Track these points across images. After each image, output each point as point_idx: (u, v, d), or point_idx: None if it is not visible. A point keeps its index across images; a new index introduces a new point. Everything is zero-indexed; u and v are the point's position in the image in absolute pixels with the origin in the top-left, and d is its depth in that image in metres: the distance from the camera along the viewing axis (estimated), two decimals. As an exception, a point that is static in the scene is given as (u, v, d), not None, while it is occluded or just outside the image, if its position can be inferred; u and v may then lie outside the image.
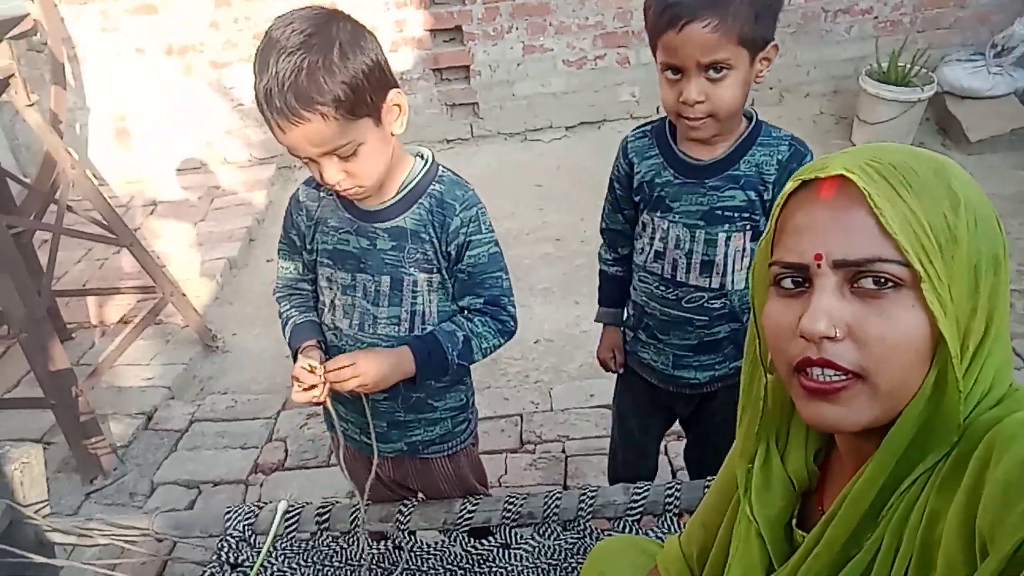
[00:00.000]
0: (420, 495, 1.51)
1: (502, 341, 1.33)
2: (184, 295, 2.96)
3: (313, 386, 1.21)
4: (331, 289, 1.34)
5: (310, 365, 1.22)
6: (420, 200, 1.25)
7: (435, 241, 1.26)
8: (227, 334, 3.12)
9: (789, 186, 0.68)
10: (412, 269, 1.27)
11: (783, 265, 0.67)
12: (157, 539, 1.49)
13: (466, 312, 1.32)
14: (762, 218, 1.35)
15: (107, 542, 1.47)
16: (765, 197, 1.33)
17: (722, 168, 1.32)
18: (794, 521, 0.79)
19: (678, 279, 1.40)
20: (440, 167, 1.30)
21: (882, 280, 0.62)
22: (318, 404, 1.25)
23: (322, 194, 1.30)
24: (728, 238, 1.35)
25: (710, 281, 1.39)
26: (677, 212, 1.36)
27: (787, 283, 0.68)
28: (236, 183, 4.36)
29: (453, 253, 1.27)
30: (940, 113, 4.02)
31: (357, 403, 1.34)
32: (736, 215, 1.33)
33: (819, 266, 0.64)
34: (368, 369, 1.20)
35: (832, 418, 0.65)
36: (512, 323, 1.33)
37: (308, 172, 1.23)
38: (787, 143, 1.33)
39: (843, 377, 0.63)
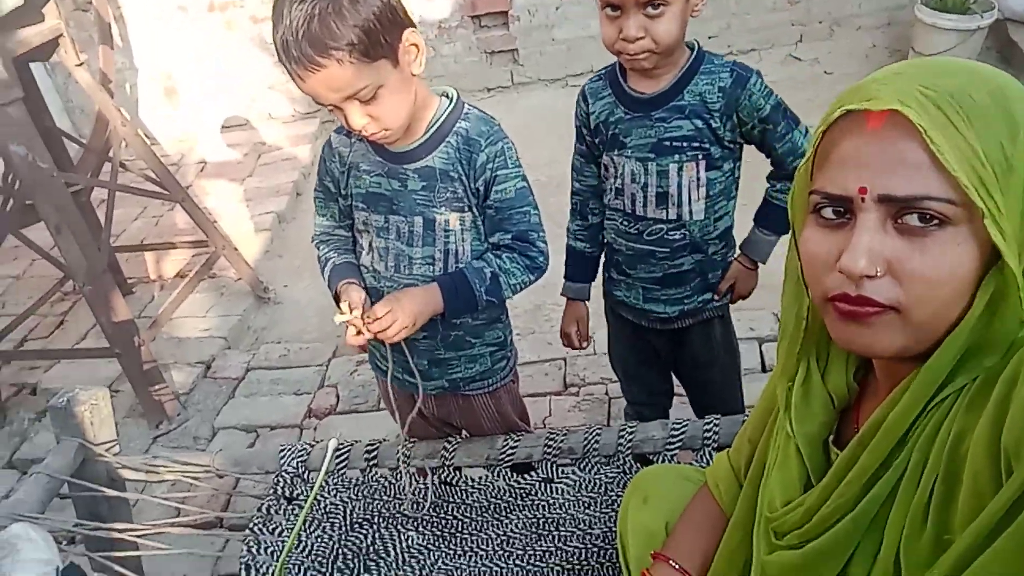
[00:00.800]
0: (464, 432, 1.56)
1: (532, 277, 1.35)
2: (236, 249, 3.04)
3: (359, 331, 1.26)
4: (367, 232, 1.37)
5: (348, 306, 1.26)
6: (447, 139, 1.27)
7: (464, 179, 1.28)
8: (278, 286, 3.21)
9: (834, 115, 0.64)
10: (443, 209, 1.30)
11: (824, 195, 0.65)
12: (218, 475, 1.57)
13: (495, 249, 1.34)
14: (713, 146, 1.37)
15: (173, 478, 1.56)
16: (713, 125, 1.36)
17: (667, 99, 1.36)
18: (831, 438, 0.80)
19: (637, 213, 1.44)
20: (466, 105, 1.31)
21: (928, 217, 0.60)
22: (363, 346, 1.30)
23: (353, 140, 1.33)
24: (680, 169, 1.38)
25: (667, 213, 1.42)
26: (629, 147, 1.40)
27: (827, 213, 0.66)
28: (281, 138, 4.42)
29: (482, 189, 1.29)
30: (1002, 41, 3.83)
31: (398, 343, 1.37)
32: (685, 145, 1.37)
33: (863, 200, 0.62)
34: (403, 313, 1.24)
35: (863, 342, 0.64)
36: (542, 259, 1.34)
37: None
38: (728, 70, 1.35)
39: (878, 308, 0.62)
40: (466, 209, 1.30)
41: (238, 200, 3.86)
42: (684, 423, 1.42)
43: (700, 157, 1.38)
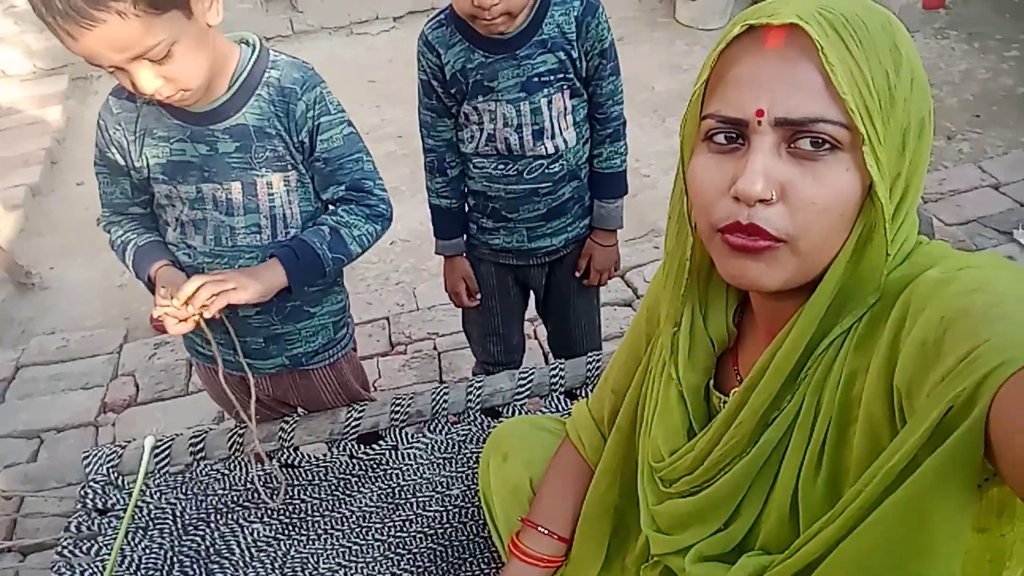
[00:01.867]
0: (300, 410, 1.45)
1: (377, 227, 1.24)
2: (-18, 230, 2.60)
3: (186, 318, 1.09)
4: (174, 206, 1.19)
5: (168, 293, 1.09)
6: (257, 91, 1.13)
7: (284, 134, 1.15)
8: (43, 268, 2.79)
9: (735, 31, 0.63)
10: (264, 170, 1.16)
11: (719, 119, 0.63)
12: (5, 497, 1.34)
13: (330, 206, 1.23)
14: (574, 76, 1.38)
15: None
16: (573, 55, 1.36)
17: (529, 35, 1.33)
18: (711, 383, 0.80)
19: (515, 153, 1.41)
20: (271, 52, 1.17)
21: (820, 141, 0.60)
22: (193, 329, 1.13)
23: (139, 102, 1.13)
24: (550, 102, 1.37)
25: (545, 148, 1.41)
26: (498, 90, 1.36)
27: (720, 138, 0.64)
28: (22, 99, 3.82)
29: (306, 141, 1.17)
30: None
31: (229, 318, 1.23)
32: (552, 78, 1.36)
33: (759, 123, 0.60)
34: (235, 282, 1.09)
35: (753, 275, 0.64)
36: (383, 206, 1.24)
37: (113, 81, 1.06)
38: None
39: (768, 241, 0.62)
40: (289, 168, 1.17)
41: (-24, 173, 3.29)
42: (531, 371, 1.41)
43: (565, 87, 1.37)
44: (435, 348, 2.21)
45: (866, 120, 0.59)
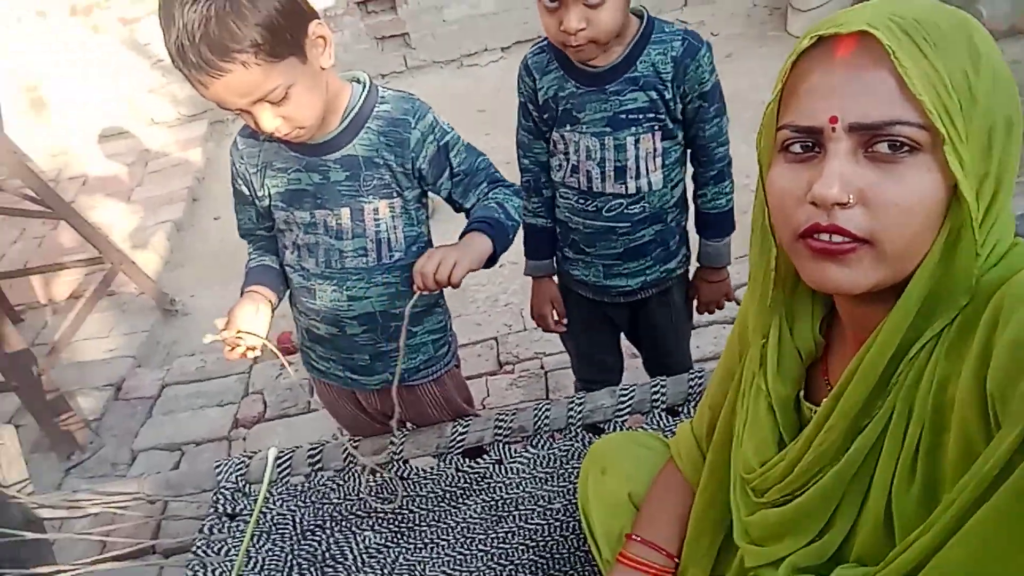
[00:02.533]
0: (409, 425, 1.52)
1: (519, 199, 1.32)
2: (133, 263, 2.87)
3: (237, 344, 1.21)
4: (291, 231, 1.30)
5: (224, 323, 1.22)
6: (367, 124, 1.22)
7: (392, 163, 1.23)
8: (184, 297, 3.05)
9: (804, 43, 0.63)
10: (371, 197, 1.24)
11: (794, 129, 0.64)
12: (149, 501, 1.47)
13: (480, 198, 1.31)
14: (667, 117, 1.35)
15: (97, 510, 1.45)
16: (666, 96, 1.34)
17: (621, 71, 1.32)
18: (801, 394, 0.79)
19: (595, 190, 1.41)
20: (380, 88, 1.26)
21: (898, 144, 0.59)
22: (251, 356, 1.24)
23: (262, 138, 1.24)
24: (636, 141, 1.35)
25: (626, 187, 1.39)
26: (584, 122, 1.36)
27: (796, 148, 0.64)
28: (168, 144, 4.19)
29: (425, 167, 1.24)
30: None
31: (336, 340, 1.33)
32: (640, 117, 1.34)
33: (834, 130, 0.60)
34: (451, 255, 1.17)
35: (837, 279, 0.63)
36: (514, 190, 1.32)
37: (243, 122, 1.18)
38: (680, 38, 1.33)
39: (850, 241, 0.61)
40: (395, 195, 1.25)
41: (129, 212, 3.64)
42: (631, 388, 1.42)
43: (656, 128, 1.35)
44: (542, 367, 2.24)
45: (945, 120, 0.58)
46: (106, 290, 2.89)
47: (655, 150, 1.37)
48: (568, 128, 1.38)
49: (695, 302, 1.62)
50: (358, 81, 1.25)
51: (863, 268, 0.62)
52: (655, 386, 1.41)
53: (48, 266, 3.07)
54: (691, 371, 1.42)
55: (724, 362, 0.97)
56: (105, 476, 2.24)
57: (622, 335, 1.74)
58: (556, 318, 1.62)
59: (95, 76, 4.16)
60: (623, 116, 1.34)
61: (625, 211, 1.42)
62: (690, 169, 1.50)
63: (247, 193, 1.31)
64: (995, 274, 0.62)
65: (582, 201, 1.44)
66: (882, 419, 0.67)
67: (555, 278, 1.62)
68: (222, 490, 1.42)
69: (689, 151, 1.45)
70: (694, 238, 1.58)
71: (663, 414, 1.40)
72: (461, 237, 1.24)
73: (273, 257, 1.38)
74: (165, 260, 3.32)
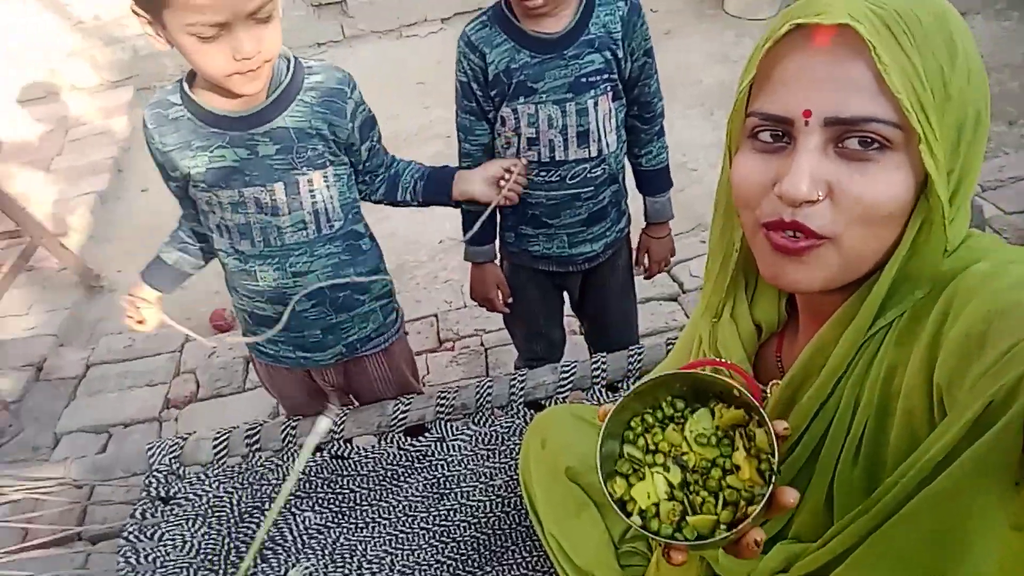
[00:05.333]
0: (353, 401, 1.50)
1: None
2: (55, 236, 2.73)
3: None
4: (214, 213, 1.24)
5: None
6: (299, 96, 1.19)
7: (327, 133, 1.21)
8: (111, 272, 2.93)
9: (782, 30, 0.61)
10: (305, 169, 1.21)
11: (764, 117, 0.62)
12: (76, 486, 1.42)
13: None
14: (617, 77, 1.37)
15: (20, 497, 1.39)
16: (618, 55, 1.35)
17: (576, 35, 1.33)
18: (750, 370, 0.80)
19: (558, 158, 1.40)
20: (301, 59, 1.22)
21: (869, 140, 0.58)
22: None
23: (172, 113, 1.17)
24: (596, 103, 1.36)
25: (589, 151, 1.40)
26: (542, 91, 1.35)
27: (765, 136, 0.63)
28: (90, 111, 3.99)
29: (355, 135, 1.25)
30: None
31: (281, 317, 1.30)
32: (598, 78, 1.35)
33: (806, 123, 0.59)
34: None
35: (793, 277, 0.63)
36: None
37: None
38: None
39: (811, 239, 0.61)
40: (327, 164, 1.23)
41: (49, 182, 3.46)
42: (572, 365, 1.43)
43: (609, 88, 1.36)
44: (482, 344, 2.24)
45: (921, 118, 0.57)
46: (25, 265, 2.75)
47: (610, 111, 1.38)
48: (522, 100, 1.36)
49: (643, 265, 1.63)
50: (283, 56, 1.20)
51: (821, 266, 0.62)
52: (596, 363, 1.42)
53: (-40, 239, 2.90)
54: (630, 348, 1.44)
55: (682, 339, 0.98)
56: (26, 461, 2.14)
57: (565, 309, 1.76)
58: (501, 300, 1.61)
59: (10, 38, 3.92)
60: (583, 79, 1.34)
61: (588, 175, 1.42)
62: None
63: (168, 172, 1.24)
64: (947, 265, 0.62)
65: (544, 173, 1.42)
66: (833, 406, 0.68)
67: (498, 260, 1.61)
68: (155, 473, 1.37)
69: (631, 110, 1.45)
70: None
71: (603, 390, 1.42)
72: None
73: (184, 244, 1.38)
74: (89, 234, 3.17)
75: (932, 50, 0.58)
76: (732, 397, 0.65)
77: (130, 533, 1.31)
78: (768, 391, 0.77)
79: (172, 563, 1.27)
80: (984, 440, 0.50)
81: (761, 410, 0.61)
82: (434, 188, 1.37)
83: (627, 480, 0.66)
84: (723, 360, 0.79)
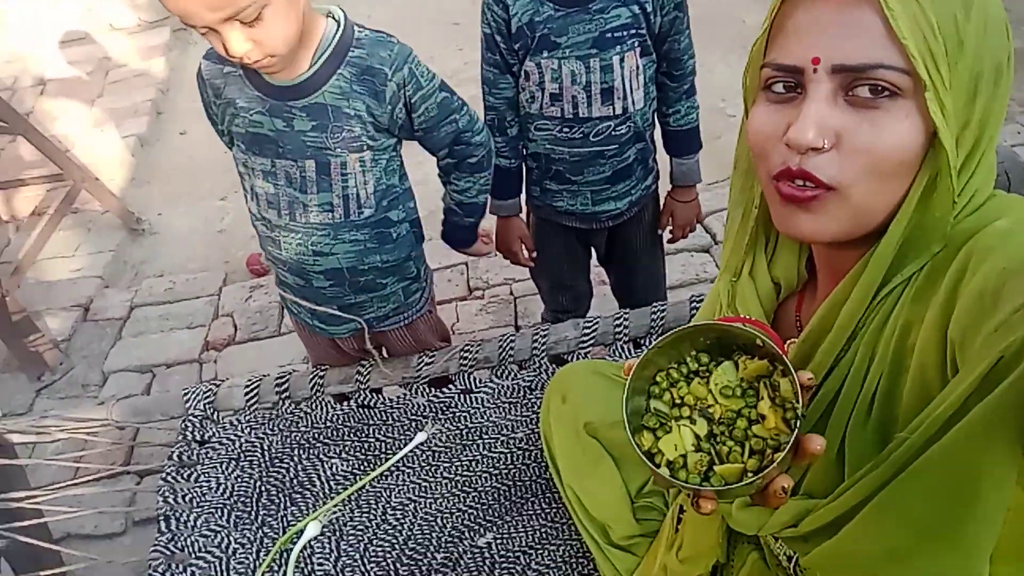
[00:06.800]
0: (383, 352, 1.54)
1: (483, 175, 1.34)
2: (97, 179, 2.80)
3: None
4: (250, 176, 1.24)
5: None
6: (339, 71, 1.14)
7: (364, 115, 1.17)
8: (151, 215, 3.00)
9: None
10: (339, 150, 1.18)
11: (776, 67, 0.63)
12: (118, 427, 1.49)
13: (442, 174, 1.35)
14: (646, 32, 1.33)
15: (66, 436, 1.47)
16: (647, 9, 1.31)
17: None
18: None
19: (581, 115, 1.38)
20: (355, 27, 1.18)
21: (879, 88, 0.58)
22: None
23: (226, 69, 1.17)
24: (622, 60, 1.33)
25: (613, 108, 1.37)
26: (566, 47, 1.32)
27: (778, 87, 0.63)
28: (129, 52, 4.02)
29: (401, 116, 1.20)
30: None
31: (302, 290, 1.33)
32: (624, 34, 1.31)
33: (815, 70, 0.59)
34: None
35: (803, 226, 0.63)
36: (482, 152, 1.31)
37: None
38: None
39: (816, 188, 0.61)
40: (365, 148, 1.20)
41: (90, 124, 3.52)
42: (595, 320, 1.43)
43: (637, 44, 1.33)
44: (511, 293, 2.26)
45: (930, 65, 0.56)
46: (69, 208, 2.82)
47: (637, 67, 1.35)
48: (546, 55, 1.34)
49: (668, 228, 1.62)
50: (333, 17, 1.17)
51: (828, 216, 0.62)
52: (619, 318, 1.43)
53: (8, 182, 2.99)
54: (654, 304, 1.44)
55: (708, 298, 0.98)
56: (76, 397, 2.25)
57: (592, 261, 1.75)
58: (526, 254, 1.62)
59: (47, -23, 3.95)
60: (608, 35, 1.31)
61: (612, 133, 1.40)
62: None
63: (219, 124, 1.25)
64: (968, 223, 0.62)
65: (567, 130, 1.41)
66: (847, 362, 0.69)
67: (522, 215, 1.61)
68: (190, 417, 1.43)
69: (660, 67, 1.42)
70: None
71: (626, 346, 1.43)
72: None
73: None
74: (131, 176, 3.24)
75: None
76: (756, 348, 0.65)
77: (168, 474, 1.37)
78: (786, 348, 0.78)
79: (208, 503, 1.34)
80: (993, 396, 0.50)
81: (785, 359, 0.61)
82: (447, 228, 1.43)
83: (654, 434, 0.67)
84: (744, 317, 0.80)
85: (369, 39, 1.17)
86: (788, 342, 0.78)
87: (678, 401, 0.67)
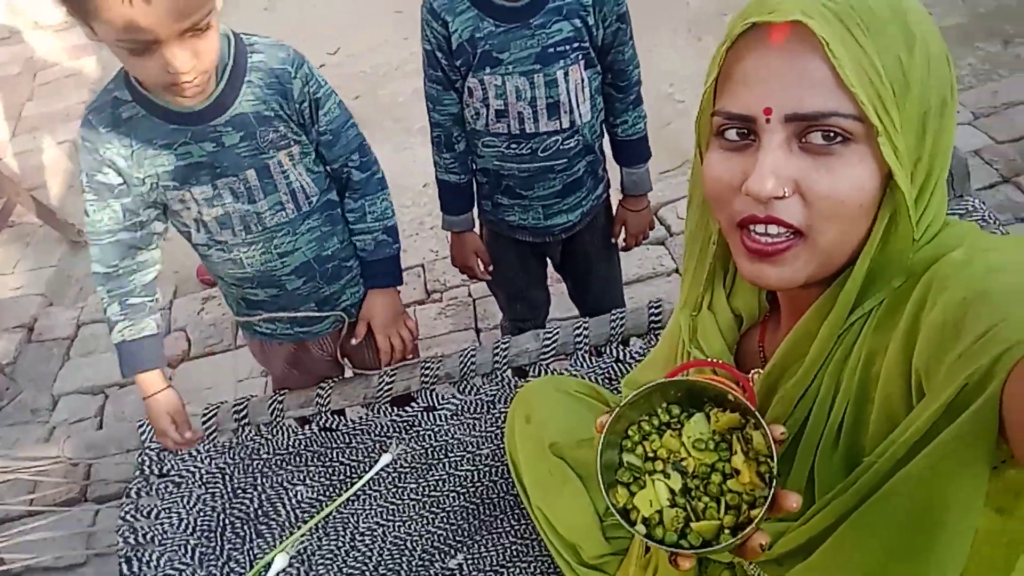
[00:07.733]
0: (346, 371, 1.52)
1: (386, 191, 1.36)
2: (29, 191, 2.69)
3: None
4: (189, 209, 1.21)
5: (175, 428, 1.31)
6: (246, 78, 1.14)
7: (282, 113, 1.18)
8: (92, 226, 2.89)
9: (737, 29, 0.61)
10: (271, 151, 1.19)
11: (727, 116, 0.63)
12: (71, 464, 1.45)
13: (346, 187, 1.32)
14: (589, 45, 1.32)
15: (13, 478, 1.42)
16: (589, 22, 1.30)
17: (542, 2, 1.27)
18: (731, 361, 0.81)
19: (528, 131, 1.36)
20: (243, 36, 1.16)
21: (832, 135, 0.58)
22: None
23: (125, 114, 1.11)
24: (566, 74, 1.32)
25: (560, 122, 1.36)
26: (508, 63, 1.30)
27: (731, 135, 0.63)
28: (56, 51, 3.87)
29: (306, 114, 1.21)
30: None
31: (278, 300, 1.33)
32: (567, 48, 1.30)
33: (768, 120, 0.59)
34: (391, 330, 1.38)
35: (772, 278, 0.64)
36: (377, 166, 1.34)
37: None
38: None
39: (786, 236, 0.61)
40: (292, 143, 1.21)
41: (21, 130, 3.38)
42: (555, 331, 1.43)
43: (581, 57, 1.31)
44: (469, 295, 2.24)
45: (880, 111, 0.57)
46: (5, 223, 2.72)
47: (582, 80, 1.34)
48: (488, 71, 1.32)
49: (621, 237, 1.62)
50: (223, 34, 1.13)
51: (798, 265, 0.63)
52: (578, 328, 1.43)
53: (-64, 198, 2.85)
54: (613, 312, 1.44)
55: (664, 339, 0.97)
56: (27, 423, 2.18)
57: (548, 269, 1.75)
58: (482, 267, 1.60)
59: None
60: (551, 50, 1.29)
61: (561, 147, 1.39)
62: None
63: (117, 183, 1.16)
64: (926, 252, 0.63)
65: (515, 146, 1.39)
66: (813, 393, 0.69)
67: (476, 229, 1.59)
68: (147, 451, 1.40)
69: (605, 78, 1.41)
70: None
71: (586, 355, 1.43)
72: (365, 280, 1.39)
73: (151, 299, 1.37)
74: (68, 184, 3.12)
75: (888, 41, 0.57)
76: (727, 401, 0.66)
77: (127, 512, 1.34)
78: (751, 379, 0.78)
79: (170, 540, 1.31)
80: (959, 422, 0.51)
81: (756, 413, 0.62)
82: (377, 270, 1.39)
83: (628, 489, 0.67)
84: (706, 358, 0.80)
85: (262, 43, 1.18)
86: (752, 372, 0.79)
87: (651, 455, 0.67)
